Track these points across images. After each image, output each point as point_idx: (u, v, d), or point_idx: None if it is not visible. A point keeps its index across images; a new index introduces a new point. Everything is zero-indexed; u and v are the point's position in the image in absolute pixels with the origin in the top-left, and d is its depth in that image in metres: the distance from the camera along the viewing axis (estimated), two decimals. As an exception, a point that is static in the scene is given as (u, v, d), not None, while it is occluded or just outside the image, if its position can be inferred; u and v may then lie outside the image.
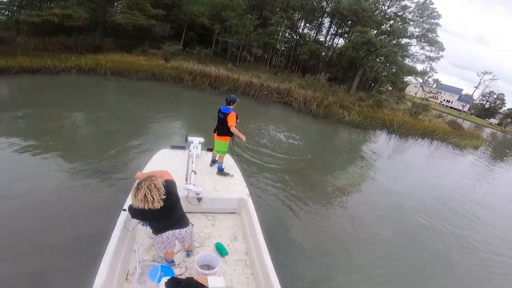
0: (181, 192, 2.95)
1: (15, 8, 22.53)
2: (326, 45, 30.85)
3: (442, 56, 25.56)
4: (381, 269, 4.26)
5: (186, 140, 4.20)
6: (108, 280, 2.12)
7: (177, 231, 2.39)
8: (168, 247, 2.45)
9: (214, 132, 3.96)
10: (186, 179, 3.39)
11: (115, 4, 25.56)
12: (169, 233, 2.37)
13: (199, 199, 3.28)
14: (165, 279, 2.05)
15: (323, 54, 29.38)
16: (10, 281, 2.92)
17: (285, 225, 4.68)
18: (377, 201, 6.57)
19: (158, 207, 2.06)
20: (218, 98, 14.31)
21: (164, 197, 2.09)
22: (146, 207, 2.02)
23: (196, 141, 4.24)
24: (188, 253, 2.83)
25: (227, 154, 4.16)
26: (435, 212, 6.80)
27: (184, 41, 25.41)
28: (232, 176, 3.94)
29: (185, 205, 3.07)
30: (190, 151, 4.00)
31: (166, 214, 2.24)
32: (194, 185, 3.26)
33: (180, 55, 21.45)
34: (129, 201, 2.55)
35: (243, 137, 3.89)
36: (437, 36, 24.28)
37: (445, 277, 4.51)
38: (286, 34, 30.25)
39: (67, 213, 3.99)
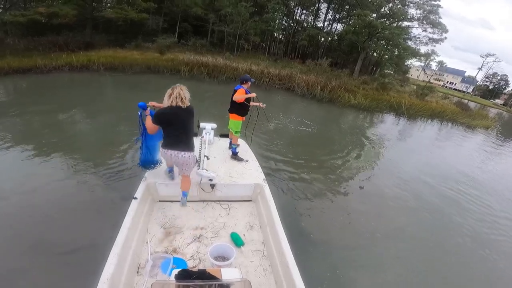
0: (193, 178, 3.01)
1: (0, 10, 21.84)
2: (324, 31, 29.94)
3: (445, 38, 24.78)
4: (409, 267, 3.65)
5: (198, 126, 3.96)
6: (116, 273, 1.95)
7: (181, 153, 2.72)
8: (168, 162, 3.01)
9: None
10: (199, 165, 3.20)
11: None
12: (172, 152, 2.71)
13: (213, 186, 3.12)
14: (176, 271, 1.91)
15: (322, 40, 28.47)
16: (14, 276, 2.74)
17: (299, 216, 4.21)
18: (398, 190, 5.96)
19: (185, 107, 2.61)
20: (217, 87, 13.70)
21: (189, 103, 2.66)
22: (178, 103, 2.57)
23: (209, 126, 4.04)
24: (184, 194, 2.94)
25: (241, 141, 4.08)
26: (469, 198, 6.15)
27: (179, 34, 24.59)
28: (247, 161, 3.76)
29: (198, 193, 3.10)
30: (203, 137, 3.79)
31: (184, 123, 2.68)
32: (207, 170, 3.12)
33: (175, 47, 20.71)
34: (139, 191, 2.78)
35: (260, 103, 3.83)
36: (439, 17, 23.45)
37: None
38: (283, 22, 29.34)
39: (70, 208, 3.74)
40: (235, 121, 3.86)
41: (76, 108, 8.35)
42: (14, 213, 3.59)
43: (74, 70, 14.18)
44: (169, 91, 2.63)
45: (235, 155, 3.81)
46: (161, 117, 2.61)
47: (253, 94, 3.76)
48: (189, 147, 2.77)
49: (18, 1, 21.75)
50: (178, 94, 2.58)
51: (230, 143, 4.04)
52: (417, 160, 8.36)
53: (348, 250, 3.71)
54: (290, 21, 30.13)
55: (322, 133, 9.39)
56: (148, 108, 2.84)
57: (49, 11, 19.09)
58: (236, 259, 2.31)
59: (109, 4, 24.75)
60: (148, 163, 3.11)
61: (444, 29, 24.08)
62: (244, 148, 4.14)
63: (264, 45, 27.84)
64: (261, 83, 15.09)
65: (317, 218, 4.28)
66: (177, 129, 2.68)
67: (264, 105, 4.00)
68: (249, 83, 3.80)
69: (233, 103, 3.76)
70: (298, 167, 5.93)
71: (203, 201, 3.15)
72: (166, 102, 2.61)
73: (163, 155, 2.83)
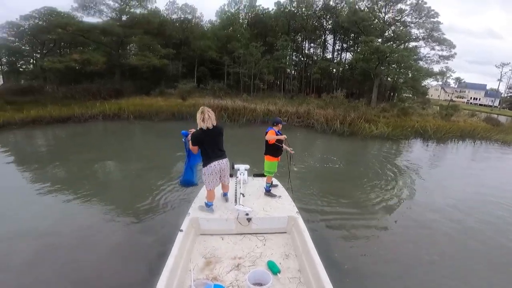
0: (231, 213, 3.43)
1: (38, 56, 24.67)
2: (335, 61, 30.89)
3: (455, 53, 24.93)
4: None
5: (233, 167, 4.32)
6: None
7: (221, 160, 3.35)
8: (215, 179, 3.37)
9: None
10: (236, 201, 3.60)
11: (127, 47, 27.35)
12: (215, 162, 3.30)
13: (249, 219, 3.38)
14: None
15: (334, 71, 29.24)
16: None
17: (332, 247, 4.25)
18: (429, 216, 5.67)
19: (213, 127, 3.19)
20: (239, 131, 14.13)
21: (215, 122, 3.24)
22: (210, 125, 3.16)
23: (242, 167, 4.42)
24: (225, 195, 3.81)
25: (274, 179, 4.36)
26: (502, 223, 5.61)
27: (197, 78, 26.46)
28: (280, 197, 4.03)
29: (235, 226, 3.39)
30: (237, 177, 4.17)
31: (216, 138, 3.31)
32: (243, 206, 3.40)
33: (196, 92, 22.15)
34: (184, 224, 3.15)
35: (290, 149, 4.14)
36: (443, 34, 23.86)
37: None
38: (294, 57, 30.79)
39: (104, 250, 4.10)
40: (269, 162, 4.14)
41: (110, 157, 9.11)
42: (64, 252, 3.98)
43: (107, 118, 15.48)
44: (200, 115, 3.19)
45: (268, 192, 4.08)
46: (197, 139, 3.25)
47: (283, 136, 4.03)
48: (224, 154, 3.43)
49: (54, 48, 24.67)
50: (209, 117, 3.17)
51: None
52: (454, 186, 7.79)
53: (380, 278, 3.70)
54: (300, 56, 31.59)
55: (349, 168, 9.16)
56: (190, 134, 3.40)
57: (83, 58, 21.53)
58: (273, 285, 2.43)
59: (132, 52, 27.51)
60: (187, 182, 3.78)
61: (451, 45, 24.28)
62: (277, 186, 4.45)
63: (278, 82, 28.99)
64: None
65: (351, 249, 4.34)
66: (211, 146, 3.30)
67: (293, 151, 4.28)
68: (280, 125, 4.11)
69: (267, 145, 4.07)
70: (330, 203, 5.93)
71: (241, 234, 3.38)
72: (200, 125, 3.19)
73: (208, 172, 3.32)
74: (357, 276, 3.69)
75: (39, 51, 24.58)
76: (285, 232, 3.47)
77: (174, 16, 27.80)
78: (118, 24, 22.74)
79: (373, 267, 3.94)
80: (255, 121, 15.84)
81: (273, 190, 4.18)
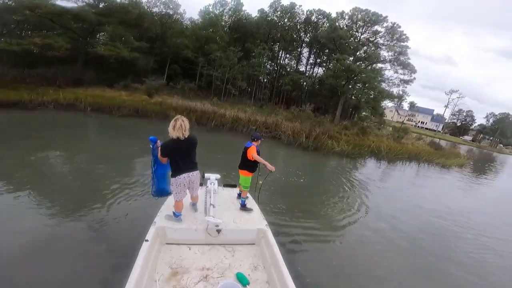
0: (201, 224, 3.40)
1: None
2: (306, 75, 32.25)
3: (415, 79, 27.47)
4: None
5: (203, 176, 4.24)
6: None
7: (191, 173, 3.31)
8: (183, 190, 3.33)
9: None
10: (206, 212, 3.58)
11: (98, 35, 25.23)
12: (185, 175, 3.25)
13: (218, 231, 3.37)
14: None
15: (304, 84, 30.45)
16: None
17: (295, 260, 4.39)
18: (384, 229, 6.39)
19: (187, 136, 3.10)
20: (206, 135, 13.84)
21: (188, 133, 3.12)
22: (181, 135, 3.05)
23: (213, 177, 4.33)
24: (194, 205, 3.81)
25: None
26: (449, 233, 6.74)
27: (168, 75, 25.36)
28: (251, 210, 4.08)
29: (205, 237, 3.37)
30: (207, 186, 4.06)
31: (188, 150, 3.23)
32: (213, 217, 3.38)
33: (164, 89, 21.22)
34: (150, 234, 3.02)
35: (270, 166, 4.00)
36: (408, 58, 26.37)
37: None
38: (268, 66, 31.40)
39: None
40: (245, 177, 4.16)
41: (58, 150, 8.30)
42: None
43: (60, 108, 14.00)
44: (172, 123, 3.08)
45: (243, 207, 4.09)
46: (167, 149, 3.15)
47: (272, 168, 3.96)
48: (196, 166, 3.39)
49: (14, 29, 21.78)
50: (180, 126, 3.05)
51: (239, 195, 4.38)
52: (400, 200, 9.10)
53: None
54: (274, 65, 32.35)
55: (312, 182, 9.57)
56: (158, 141, 3.31)
57: (45, 42, 19.22)
58: None
59: (102, 41, 25.33)
60: (161, 191, 3.62)
61: (413, 70, 26.87)
62: (247, 198, 4.46)
63: (249, 89, 29.18)
64: (248, 131, 15.50)
65: (311, 262, 4.48)
66: (183, 157, 3.22)
67: (274, 169, 4.10)
68: (259, 141, 4.19)
69: (246, 160, 4.09)
70: (294, 217, 6.14)
71: (209, 244, 3.35)
72: (171, 133, 3.07)
73: (176, 183, 3.27)
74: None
75: None
76: (254, 244, 3.50)
77: (156, 10, 26.57)
78: (93, 11, 20.85)
79: (334, 281, 4.16)
80: (223, 126, 15.70)
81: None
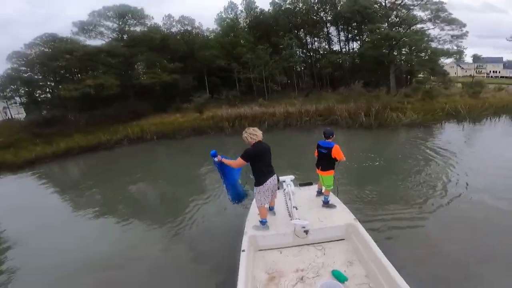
0: (288, 228, 3.43)
1: (52, 84, 25.29)
2: (343, 51, 30.14)
3: (467, 32, 23.45)
4: None
5: (278, 180, 4.15)
6: None
7: (272, 177, 3.49)
8: (268, 196, 3.48)
9: (317, 168, 4.13)
10: (290, 215, 3.60)
11: (135, 66, 27.34)
12: (270, 179, 3.42)
13: (306, 232, 3.38)
14: None
15: (346, 62, 28.56)
16: None
17: (392, 250, 3.66)
18: (488, 204, 5.26)
19: (261, 139, 3.35)
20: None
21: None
22: (257, 138, 3.29)
23: (288, 179, 4.39)
24: (272, 209, 3.89)
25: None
26: None
27: (209, 88, 26.41)
28: (335, 206, 3.99)
29: (293, 239, 3.41)
30: (285, 189, 4.16)
31: (266, 152, 3.41)
32: (299, 219, 3.39)
33: (210, 103, 22.13)
34: (244, 244, 3.15)
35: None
36: (450, 14, 22.68)
37: None
38: (300, 54, 30.32)
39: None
40: (329, 176, 4.02)
41: (140, 180, 9.36)
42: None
43: (132, 142, 15.81)
44: (245, 132, 3.35)
45: (327, 204, 4.01)
46: (252, 154, 3.29)
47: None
48: (274, 170, 3.58)
49: (65, 75, 25.09)
50: (254, 130, 3.34)
51: (319, 193, 4.34)
52: (499, 164, 7.30)
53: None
54: (306, 52, 31.08)
55: (389, 162, 8.66)
56: (219, 155, 3.42)
57: (96, 82, 21.90)
58: None
59: (141, 71, 27.65)
60: (237, 196, 3.78)
61: (461, 24, 22.99)
62: (330, 196, 4.31)
63: (289, 82, 28.58)
64: (303, 124, 15.08)
65: (408, 252, 3.99)
66: (264, 162, 3.39)
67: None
68: (334, 136, 4.02)
69: (331, 159, 3.91)
70: (379, 205, 5.62)
71: (299, 245, 3.40)
72: (249, 140, 3.30)
73: (263, 190, 3.39)
74: (421, 280, 3.24)
75: (52, 79, 25.30)
76: (344, 239, 3.45)
77: (174, 30, 27.90)
78: (122, 44, 23.02)
79: (439, 271, 3.56)
80: (276, 125, 15.57)
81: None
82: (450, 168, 7.37)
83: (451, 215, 5.07)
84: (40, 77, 25.15)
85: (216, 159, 3.43)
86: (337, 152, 3.82)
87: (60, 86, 22.94)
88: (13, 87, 24.74)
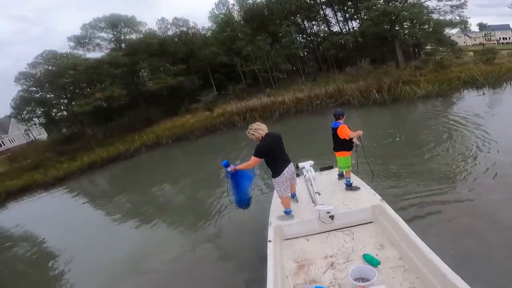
0: (312, 214, 3.36)
1: (66, 101, 25.88)
2: (344, 32, 29.48)
3: (466, 1, 22.33)
4: None
5: (297, 167, 4.21)
6: None
7: (289, 165, 3.38)
8: (287, 185, 3.40)
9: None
10: (313, 201, 3.48)
11: (140, 73, 27.63)
12: (287, 169, 3.31)
13: (332, 217, 3.29)
14: None
15: (349, 42, 27.94)
16: None
17: (426, 231, 3.58)
18: None
19: (271, 134, 3.28)
20: (276, 127, 13.66)
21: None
22: (264, 131, 3.20)
23: (307, 165, 4.29)
24: (294, 196, 3.82)
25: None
26: None
27: (216, 86, 26.50)
28: (359, 188, 3.85)
29: (319, 226, 3.31)
30: (305, 175, 4.07)
31: (278, 141, 3.32)
32: (323, 205, 3.31)
33: (219, 100, 22.22)
34: (270, 234, 3.10)
35: (358, 142, 3.94)
36: None
37: None
38: (301, 39, 29.86)
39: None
40: (344, 158, 3.90)
41: (163, 183, 9.64)
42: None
43: (149, 148, 16.17)
44: (249, 128, 3.25)
45: (350, 187, 3.88)
46: (265, 147, 3.17)
47: (360, 132, 3.74)
48: (289, 158, 3.46)
49: (75, 91, 25.62)
50: (257, 124, 3.28)
51: (340, 175, 4.19)
52: None
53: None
54: (307, 37, 30.57)
55: (411, 137, 8.42)
56: (231, 165, 3.27)
57: (105, 94, 22.29)
58: (377, 278, 2.33)
59: (147, 77, 27.93)
60: (245, 202, 3.59)
61: None
62: (352, 178, 4.11)
63: (294, 68, 28.24)
64: (314, 108, 14.97)
65: (442, 231, 3.76)
66: (279, 152, 3.31)
67: (361, 133, 3.84)
68: (344, 116, 3.90)
69: (339, 140, 3.81)
70: (406, 183, 5.33)
71: (325, 231, 3.31)
72: (256, 135, 3.19)
73: (281, 180, 3.31)
74: (465, 261, 3.02)
75: (64, 96, 25.87)
76: (372, 222, 3.32)
77: (170, 33, 27.83)
78: (121, 54, 23.10)
79: (479, 250, 3.28)
80: (287, 113, 15.52)
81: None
82: (478, 136, 7.02)
83: (482, 187, 4.64)
84: (52, 95, 25.85)
85: (229, 169, 3.23)
86: (341, 131, 3.68)
87: (73, 103, 23.48)
88: (28, 108, 25.48)
